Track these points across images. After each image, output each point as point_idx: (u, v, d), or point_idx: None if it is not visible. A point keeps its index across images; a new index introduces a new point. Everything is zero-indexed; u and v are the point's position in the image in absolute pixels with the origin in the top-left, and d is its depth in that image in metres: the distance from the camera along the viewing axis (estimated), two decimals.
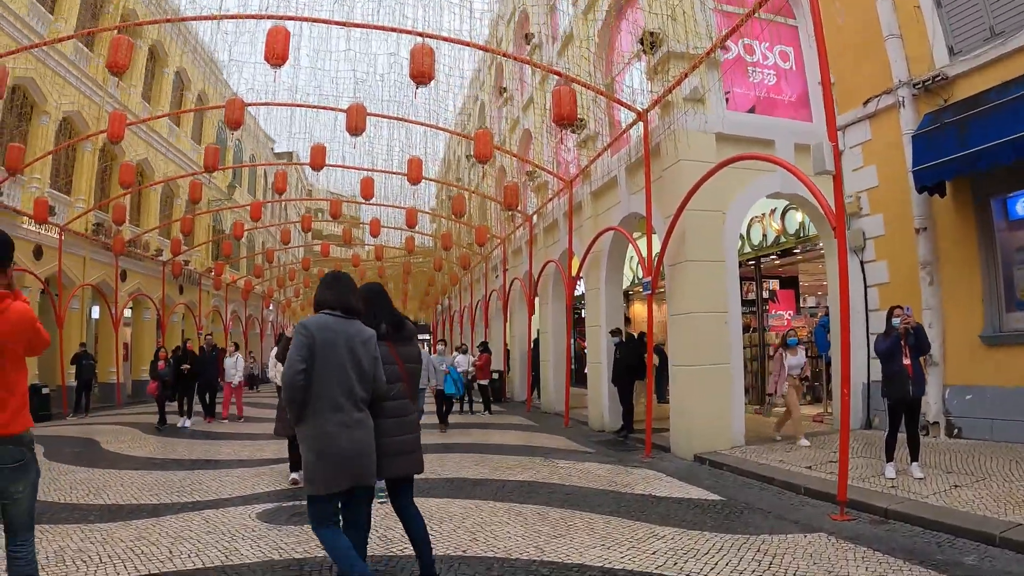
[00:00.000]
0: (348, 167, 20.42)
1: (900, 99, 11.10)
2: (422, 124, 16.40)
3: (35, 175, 20.15)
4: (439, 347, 16.21)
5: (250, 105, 16.21)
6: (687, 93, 10.98)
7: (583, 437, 13.43)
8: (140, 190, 24.21)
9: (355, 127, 14.33)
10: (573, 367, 22.55)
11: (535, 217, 20.10)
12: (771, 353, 15.01)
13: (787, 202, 13.68)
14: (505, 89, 24.77)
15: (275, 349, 16.01)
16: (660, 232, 11.35)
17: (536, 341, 20.96)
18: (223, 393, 17.15)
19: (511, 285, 22.71)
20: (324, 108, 16.11)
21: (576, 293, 18.79)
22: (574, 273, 15.99)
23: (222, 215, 34.21)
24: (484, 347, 19.27)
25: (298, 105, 16.37)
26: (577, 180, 16.03)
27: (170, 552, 5.85)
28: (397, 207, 23.70)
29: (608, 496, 7.91)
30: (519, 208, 19.37)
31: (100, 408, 21.71)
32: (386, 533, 6.32)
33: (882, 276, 11.69)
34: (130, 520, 6.97)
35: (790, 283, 17.61)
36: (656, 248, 11.40)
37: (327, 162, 17.36)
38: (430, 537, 4.81)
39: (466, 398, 18.11)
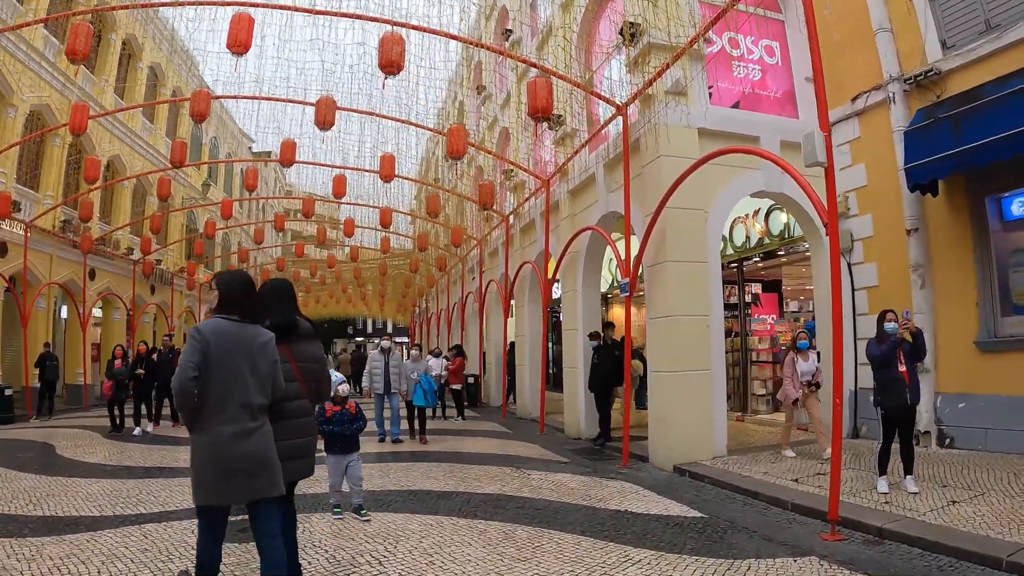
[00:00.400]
0: (319, 164, 19.77)
1: (890, 95, 10.66)
2: (393, 119, 15.78)
3: (1, 170, 19.40)
4: (413, 352, 14.84)
5: (217, 98, 15.58)
6: (669, 86, 10.49)
7: (558, 445, 12.89)
8: (107, 186, 23.41)
9: (324, 121, 13.78)
10: (552, 371, 22.08)
11: (512, 217, 19.57)
12: (762, 359, 14.61)
13: (772, 202, 13.21)
14: (483, 87, 24.18)
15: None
16: (639, 232, 10.82)
17: (512, 344, 20.40)
18: None
19: (487, 287, 22.14)
20: (292, 101, 15.43)
21: (554, 296, 18.33)
22: (551, 275, 15.43)
23: (196, 214, 33.44)
24: (458, 350, 18.65)
25: (265, 98, 15.66)
26: (554, 179, 15.52)
27: (99, 572, 5.32)
28: (371, 206, 23.08)
29: (581, 512, 7.36)
30: (495, 208, 18.81)
31: (67, 410, 21.06)
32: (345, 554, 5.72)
33: (871, 279, 11.20)
34: (65, 535, 6.45)
35: (772, 287, 17.15)
36: (635, 249, 10.86)
37: (297, 158, 16.78)
38: (378, 559, 4.27)
39: (438, 404, 17.55)
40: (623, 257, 11.32)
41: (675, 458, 9.92)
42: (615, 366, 12.22)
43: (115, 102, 25.25)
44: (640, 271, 10.86)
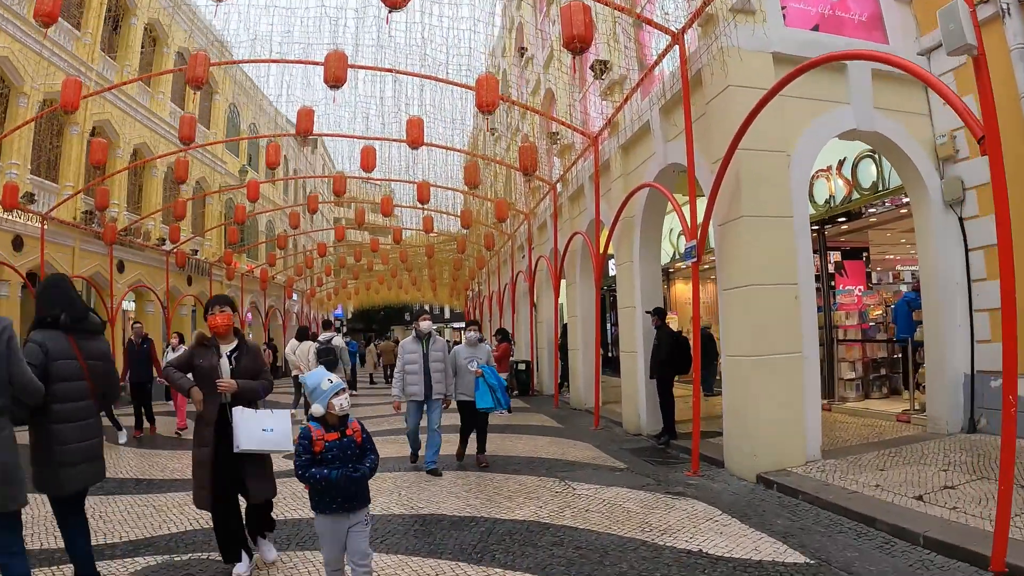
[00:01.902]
0: (340, 135, 18.09)
1: (1003, 7, 8.39)
2: (415, 75, 13.90)
3: (13, 160, 18.30)
4: (470, 334, 10.02)
5: (215, 65, 14.01)
6: (735, 1, 8.38)
7: (615, 444, 10.97)
8: (120, 172, 21.97)
9: (334, 78, 12.08)
10: (610, 354, 20.10)
11: (559, 185, 17.58)
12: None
13: (861, 148, 11.02)
14: (525, 49, 22.32)
15: (293, 341, 15.55)
16: (706, 185, 8.76)
17: (565, 327, 18.44)
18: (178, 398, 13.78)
19: (536, 264, 20.19)
20: (304, 62, 13.71)
21: (611, 274, 16.33)
22: (603, 245, 13.38)
23: (235, 202, 32.17)
24: (503, 335, 16.60)
25: (275, 61, 13.98)
26: (603, 135, 13.51)
27: None
28: (404, 181, 21.32)
29: (637, 553, 5.43)
30: (540, 175, 16.88)
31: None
32: None
33: (988, 236, 8.89)
34: None
35: (853, 254, 14.99)
36: (702, 210, 8.80)
37: (327, 132, 15.19)
38: None
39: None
40: (687, 217, 9.25)
41: (759, 465, 7.88)
42: (680, 349, 10.23)
43: (139, 88, 24.02)
44: (708, 235, 8.80)
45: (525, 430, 12.82)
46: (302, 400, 15.32)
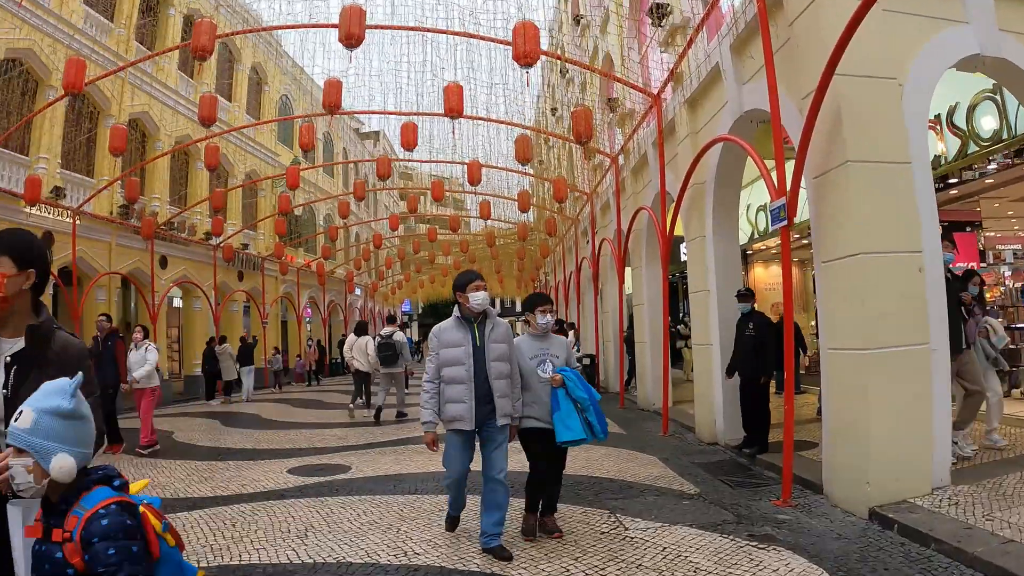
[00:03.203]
0: (373, 112, 16.57)
1: None
2: (445, 32, 12.21)
3: (41, 154, 17.45)
4: (543, 319, 5.83)
5: (221, 37, 12.63)
6: None
7: (686, 457, 9.10)
8: (150, 162, 20.88)
9: (349, 36, 10.68)
10: (679, 346, 18.10)
11: (620, 158, 15.65)
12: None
13: (979, 89, 8.87)
14: (580, 16, 20.58)
15: (352, 336, 15.65)
16: (794, 130, 6.78)
17: (631, 317, 16.48)
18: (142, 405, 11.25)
19: (600, 248, 18.26)
20: (315, 26, 12.24)
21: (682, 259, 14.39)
22: (671, 221, 11.39)
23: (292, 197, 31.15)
24: (559, 327, 14.73)
25: (296, 26, 12.57)
26: (666, 91, 11.58)
27: None
28: (449, 162, 19.70)
29: None
30: (598, 146, 15.04)
31: (134, 408, 18.78)
32: None
33: None
34: None
35: (958, 228, 12.96)
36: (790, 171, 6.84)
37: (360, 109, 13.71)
38: None
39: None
40: (772, 178, 7.27)
41: (872, 495, 5.87)
42: (768, 341, 8.36)
43: (180, 79, 23.00)
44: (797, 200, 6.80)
45: None
46: (360, 399, 15.64)
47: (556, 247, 28.51)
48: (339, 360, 34.96)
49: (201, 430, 13.72)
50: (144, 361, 10.89)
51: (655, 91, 11.99)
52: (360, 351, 14.93)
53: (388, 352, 13.87)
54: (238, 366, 19.99)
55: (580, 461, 8.67)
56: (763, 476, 7.67)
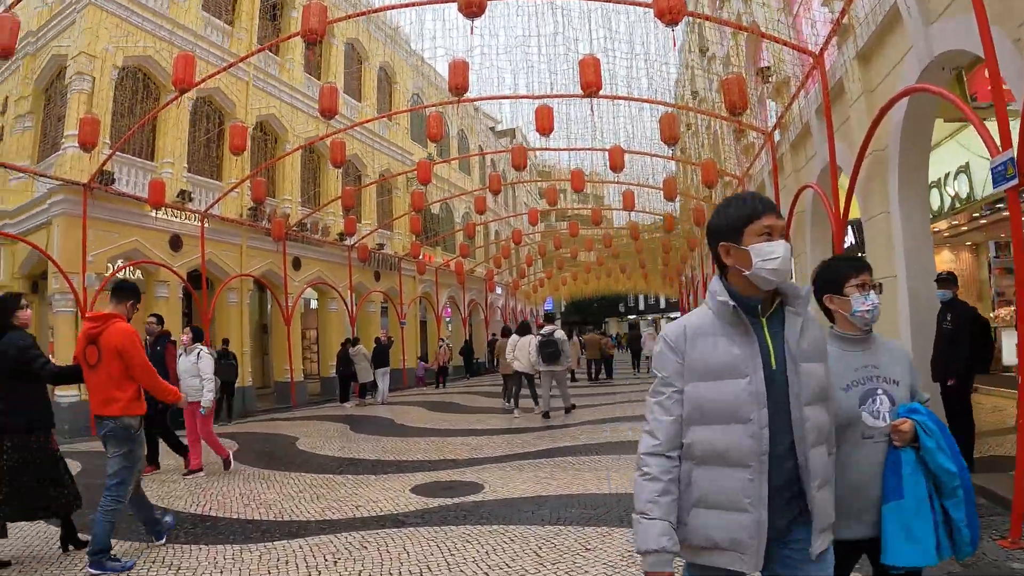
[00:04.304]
0: (503, 97, 15.53)
1: None
2: None
3: (166, 159, 17.44)
4: (864, 303, 2.70)
5: (333, 22, 11.86)
6: None
7: None
8: (272, 163, 20.65)
9: (470, 4, 9.78)
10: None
11: (776, 133, 13.98)
12: None
13: None
14: None
15: (514, 336, 15.43)
16: (1009, 72, 5.20)
17: None
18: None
19: None
20: (432, 2, 11.28)
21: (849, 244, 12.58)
22: (844, 198, 9.71)
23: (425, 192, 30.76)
24: None
25: (410, 4, 11.71)
26: (830, 48, 9.96)
27: None
28: (590, 149, 18.43)
29: None
30: (751, 120, 13.43)
31: (270, 410, 19.23)
32: None
33: None
34: None
35: None
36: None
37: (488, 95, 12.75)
38: None
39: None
40: (986, 131, 5.67)
41: None
42: (984, 337, 6.72)
43: (306, 80, 22.86)
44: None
45: None
46: (508, 403, 15.92)
47: (704, 238, 26.76)
48: (483, 361, 34.43)
49: (327, 436, 13.06)
50: (198, 371, 9.24)
51: (816, 49, 10.37)
52: (523, 350, 14.80)
53: (551, 349, 13.98)
54: (373, 367, 19.48)
55: None
56: (984, 511, 6.05)
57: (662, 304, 73.05)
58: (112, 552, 5.33)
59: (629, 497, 6.73)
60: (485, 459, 9.65)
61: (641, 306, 78.08)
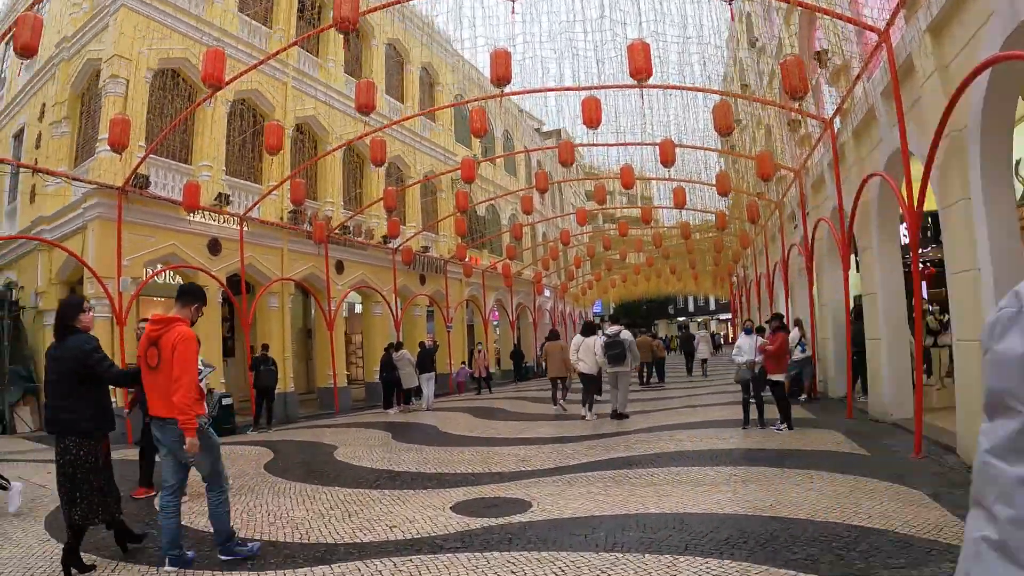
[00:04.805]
0: (547, 90, 14.96)
1: None
2: None
3: (204, 162, 17.21)
4: None
5: (367, 12, 11.50)
6: None
7: (958, 491, 6.61)
8: (311, 163, 20.34)
9: None
10: (930, 344, 15.08)
11: (836, 120, 13.17)
12: None
13: None
14: None
15: (578, 337, 15.08)
16: None
17: (858, 309, 13.77)
18: None
19: (815, 229, 15.65)
20: None
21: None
22: (919, 186, 8.90)
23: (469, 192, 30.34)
24: (778, 322, 12.20)
25: None
26: (897, 22, 9.23)
27: None
28: (641, 144, 17.73)
29: None
30: (809, 111, 12.67)
31: (312, 416, 18.95)
32: None
33: None
34: None
35: None
36: None
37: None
38: None
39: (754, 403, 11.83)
40: None
41: None
42: None
43: (346, 82, 22.54)
44: None
45: (809, 460, 8.74)
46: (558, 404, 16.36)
47: (758, 235, 25.85)
48: (531, 364, 33.81)
49: (368, 445, 12.54)
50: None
51: (882, 26, 9.59)
52: (587, 351, 14.47)
53: (616, 350, 13.74)
54: (418, 373, 19.01)
55: (826, 499, 6.57)
56: None
57: (712, 306, 71.94)
58: (236, 537, 5.77)
59: (692, 519, 6.09)
60: (533, 472, 8.96)
61: (691, 308, 77.06)
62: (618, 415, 13.92)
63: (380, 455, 11.24)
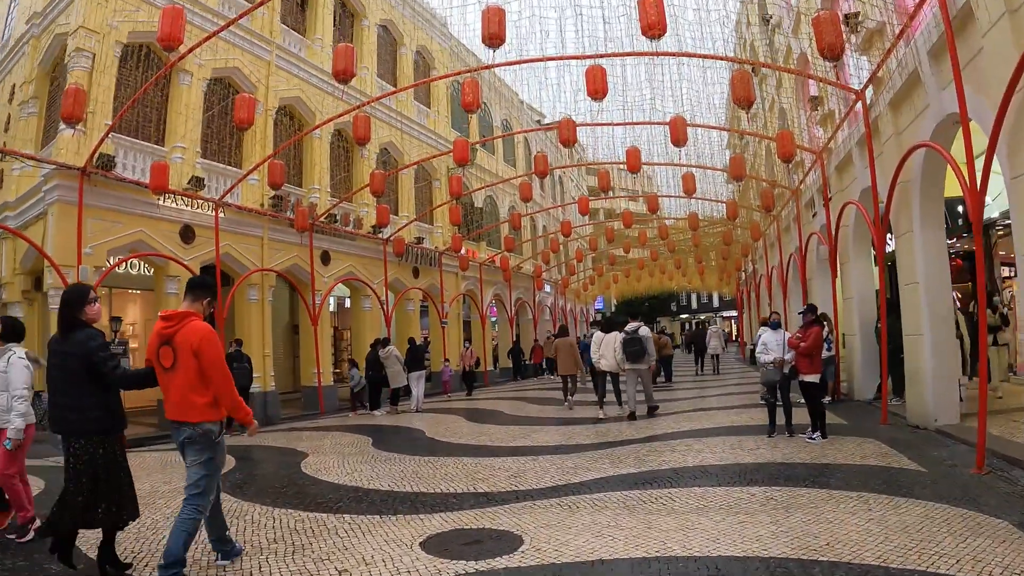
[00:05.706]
0: (556, 58, 13.82)
1: None
2: None
3: (177, 143, 15.99)
4: None
5: None
6: None
7: None
8: (289, 144, 18.84)
9: None
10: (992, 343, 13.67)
11: (868, 91, 11.80)
12: None
13: None
14: (769, 16, 18.41)
15: (599, 334, 14.79)
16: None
17: (891, 301, 12.30)
18: None
19: (841, 216, 14.28)
20: None
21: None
22: (983, 160, 7.54)
23: (468, 185, 29.01)
24: (812, 313, 10.77)
25: None
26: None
27: None
28: (649, 123, 16.44)
29: None
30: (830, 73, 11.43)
31: (295, 418, 17.96)
32: None
33: None
34: None
35: None
36: None
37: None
38: None
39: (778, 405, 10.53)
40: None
41: None
42: None
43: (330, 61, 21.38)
44: None
45: (856, 478, 7.38)
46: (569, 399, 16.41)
47: (770, 226, 24.54)
48: (529, 361, 32.60)
49: (342, 452, 11.21)
50: (3, 385, 6.32)
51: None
52: (608, 347, 14.14)
53: (635, 347, 13.48)
54: (407, 371, 17.71)
55: (894, 535, 5.21)
56: None
57: (715, 303, 70.87)
58: (185, 569, 4.99)
59: (730, 565, 4.73)
60: (526, 492, 7.47)
61: (694, 305, 76.05)
62: (650, 410, 13.99)
63: (352, 467, 9.84)
